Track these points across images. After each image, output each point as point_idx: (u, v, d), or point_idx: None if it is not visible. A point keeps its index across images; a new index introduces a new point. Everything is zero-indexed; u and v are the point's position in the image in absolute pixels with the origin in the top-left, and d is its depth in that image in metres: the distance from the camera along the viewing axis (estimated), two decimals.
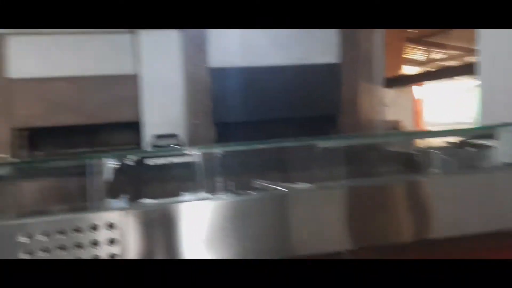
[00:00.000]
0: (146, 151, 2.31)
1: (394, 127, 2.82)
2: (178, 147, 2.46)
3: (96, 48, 2.60)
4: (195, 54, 2.65)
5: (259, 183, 1.79)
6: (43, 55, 2.54)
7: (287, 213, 1.51)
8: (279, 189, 1.62)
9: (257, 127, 2.73)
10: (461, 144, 1.83)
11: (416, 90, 5.69)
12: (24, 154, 2.58)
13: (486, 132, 1.78)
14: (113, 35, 2.60)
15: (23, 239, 1.36)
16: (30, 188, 2.44)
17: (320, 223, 1.47)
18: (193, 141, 2.60)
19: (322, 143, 1.61)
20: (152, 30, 2.57)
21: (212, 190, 1.96)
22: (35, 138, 2.62)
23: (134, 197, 1.73)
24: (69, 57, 2.57)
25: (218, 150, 1.74)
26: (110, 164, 1.72)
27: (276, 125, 2.75)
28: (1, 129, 2.41)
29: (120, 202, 1.64)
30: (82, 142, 2.66)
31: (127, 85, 2.57)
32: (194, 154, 2.03)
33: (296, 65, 2.69)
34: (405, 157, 2.02)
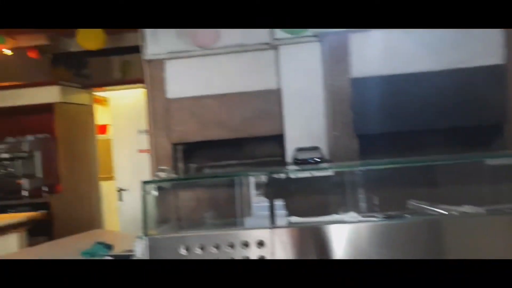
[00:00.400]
0: (292, 169, 2.32)
1: None
2: (320, 160, 2.43)
3: (241, 65, 2.74)
4: (335, 65, 2.60)
5: (413, 203, 1.64)
6: (194, 76, 2.78)
7: (446, 242, 1.33)
8: (438, 212, 1.45)
9: (403, 139, 2.55)
10: None
11: None
12: (181, 165, 2.86)
13: None
14: (256, 52, 2.71)
15: (183, 252, 1.48)
16: (186, 197, 2.68)
17: (487, 257, 1.26)
18: (334, 154, 2.55)
19: (491, 161, 1.39)
20: (292, 44, 2.60)
21: (357, 207, 1.88)
22: (189, 151, 2.88)
23: (281, 210, 1.74)
24: (217, 76, 2.76)
25: (365, 168, 1.65)
26: (257, 178, 1.77)
27: (425, 137, 2.52)
28: (163, 144, 2.71)
29: (268, 217, 1.67)
30: (230, 155, 2.83)
31: (271, 100, 2.64)
32: (338, 169, 1.97)
33: (448, 70, 2.43)
34: None
